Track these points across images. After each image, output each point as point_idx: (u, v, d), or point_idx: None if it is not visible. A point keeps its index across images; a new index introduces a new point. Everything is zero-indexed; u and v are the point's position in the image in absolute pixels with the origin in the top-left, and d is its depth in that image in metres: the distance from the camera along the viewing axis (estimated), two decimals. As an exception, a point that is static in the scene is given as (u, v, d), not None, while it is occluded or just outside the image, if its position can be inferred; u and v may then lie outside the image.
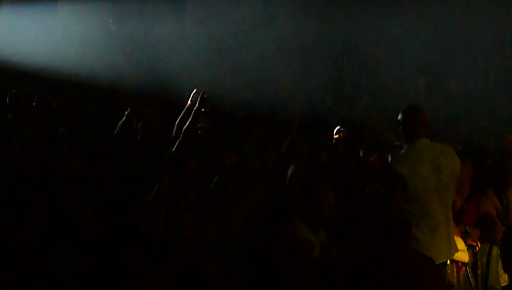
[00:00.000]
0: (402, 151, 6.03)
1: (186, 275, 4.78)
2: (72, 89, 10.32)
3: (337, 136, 7.18)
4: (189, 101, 7.13)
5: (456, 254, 6.28)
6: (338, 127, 7.27)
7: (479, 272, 6.29)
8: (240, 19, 14.22)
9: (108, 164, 6.38)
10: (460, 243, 6.39)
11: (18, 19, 12.32)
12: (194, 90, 7.13)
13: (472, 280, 6.21)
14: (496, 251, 6.21)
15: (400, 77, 12.67)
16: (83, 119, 8.03)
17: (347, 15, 14.26)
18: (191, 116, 6.75)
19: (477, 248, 6.37)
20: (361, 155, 7.62)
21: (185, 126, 6.68)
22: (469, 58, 13.08)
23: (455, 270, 6.37)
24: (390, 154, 6.90)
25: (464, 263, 6.30)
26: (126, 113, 7.54)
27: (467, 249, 6.39)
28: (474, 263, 6.28)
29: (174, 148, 6.48)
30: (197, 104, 6.82)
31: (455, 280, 6.31)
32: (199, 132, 7.11)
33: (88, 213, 4.89)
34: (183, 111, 7.12)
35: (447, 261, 6.08)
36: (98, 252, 4.49)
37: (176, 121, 7.12)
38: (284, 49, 13.80)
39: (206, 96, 6.85)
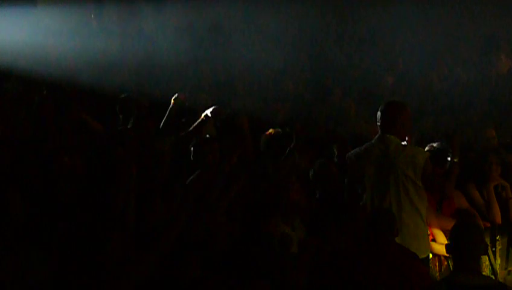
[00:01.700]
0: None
1: (169, 272, 4.79)
2: (55, 87, 10.25)
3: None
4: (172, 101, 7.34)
5: (438, 248, 6.33)
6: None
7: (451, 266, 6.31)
8: (223, 11, 14.22)
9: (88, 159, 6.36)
10: (442, 237, 6.42)
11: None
12: (176, 94, 7.36)
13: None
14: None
15: (382, 71, 12.68)
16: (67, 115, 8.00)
17: (333, 8, 14.29)
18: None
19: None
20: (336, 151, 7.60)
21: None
22: (453, 53, 13.15)
23: (437, 264, 6.41)
24: None
25: (446, 257, 6.34)
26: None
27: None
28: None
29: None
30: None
31: (437, 273, 6.35)
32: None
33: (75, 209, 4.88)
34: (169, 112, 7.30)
35: (429, 256, 6.12)
36: (77, 249, 4.46)
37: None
38: (268, 43, 13.79)
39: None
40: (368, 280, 5.01)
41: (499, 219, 6.84)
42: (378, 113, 6.11)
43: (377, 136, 6.08)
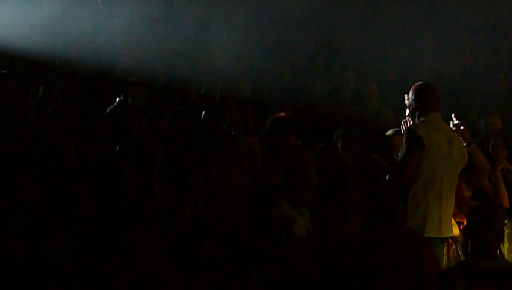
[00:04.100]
0: (417, 121, 6.14)
1: (180, 255, 4.81)
2: (61, 71, 10.28)
3: None
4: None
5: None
6: None
7: (469, 249, 6.32)
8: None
9: (100, 144, 6.37)
10: (450, 220, 6.44)
11: (3, 3, 12.25)
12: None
13: (462, 257, 6.22)
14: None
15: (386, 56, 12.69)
16: (73, 100, 8.03)
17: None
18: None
19: (462, 226, 6.39)
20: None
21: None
22: (451, 38, 13.17)
23: (445, 247, 6.42)
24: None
25: (454, 241, 6.35)
26: (118, 99, 7.63)
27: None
28: (465, 240, 6.30)
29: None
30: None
31: (445, 257, 6.35)
32: None
33: (83, 194, 4.88)
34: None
35: (444, 239, 6.17)
36: (94, 233, 4.48)
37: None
38: (270, 32, 13.81)
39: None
40: (376, 264, 5.01)
41: (506, 203, 6.85)
42: (417, 95, 6.15)
43: (432, 114, 6.09)
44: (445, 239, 6.14)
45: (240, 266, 4.92)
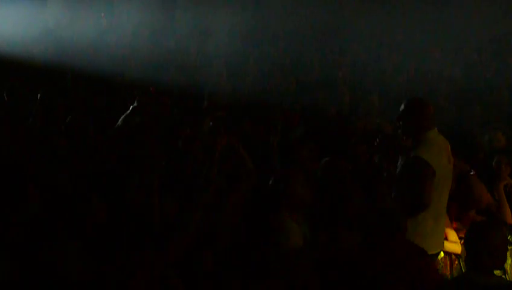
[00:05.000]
0: (413, 143, 6.09)
1: (184, 266, 4.83)
2: (66, 82, 10.33)
3: None
4: None
5: (449, 246, 6.36)
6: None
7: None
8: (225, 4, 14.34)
9: (109, 156, 6.41)
10: (453, 235, 6.45)
11: (8, 12, 12.30)
12: None
13: (465, 272, 6.24)
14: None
15: (389, 70, 12.72)
16: (81, 111, 8.06)
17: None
18: None
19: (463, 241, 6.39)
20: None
21: None
22: (457, 52, 13.21)
23: (448, 263, 6.43)
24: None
25: (457, 256, 6.36)
26: (132, 107, 7.64)
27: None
28: (466, 255, 6.31)
29: None
30: None
31: (448, 272, 6.37)
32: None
33: (96, 203, 4.90)
34: None
35: (439, 253, 6.18)
36: (99, 243, 4.51)
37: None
38: (269, 34, 13.88)
39: None
40: (378, 277, 5.02)
41: (509, 219, 6.86)
42: (412, 112, 6.06)
43: (435, 130, 6.07)
44: (438, 252, 6.16)
45: (240, 275, 4.94)
